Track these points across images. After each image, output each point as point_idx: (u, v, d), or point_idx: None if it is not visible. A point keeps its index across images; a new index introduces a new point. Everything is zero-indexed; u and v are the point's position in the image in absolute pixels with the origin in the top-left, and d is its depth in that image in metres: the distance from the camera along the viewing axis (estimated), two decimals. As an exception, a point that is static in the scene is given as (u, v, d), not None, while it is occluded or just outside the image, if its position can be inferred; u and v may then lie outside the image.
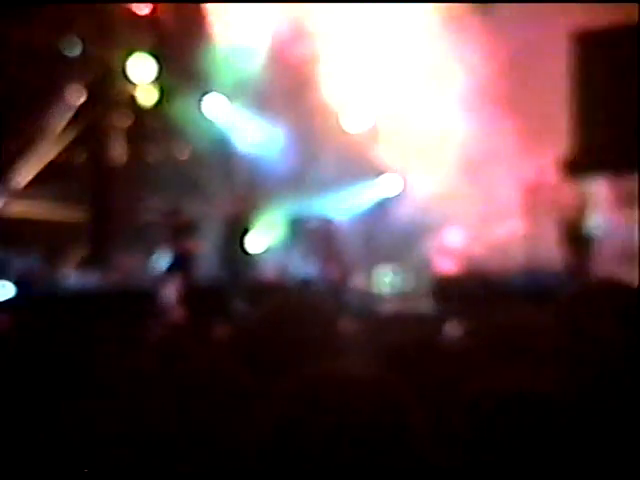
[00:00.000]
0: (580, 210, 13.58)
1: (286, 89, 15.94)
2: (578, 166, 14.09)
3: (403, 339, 3.90)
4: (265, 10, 15.77)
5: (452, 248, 16.07)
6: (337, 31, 16.01)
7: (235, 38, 15.82)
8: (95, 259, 14.99)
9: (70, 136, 15.29)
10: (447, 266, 15.37)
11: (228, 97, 16.25)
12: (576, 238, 13.38)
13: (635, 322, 2.64)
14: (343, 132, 16.07)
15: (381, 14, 16.06)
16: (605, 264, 12.95)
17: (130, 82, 15.58)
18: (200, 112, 16.12)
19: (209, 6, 15.59)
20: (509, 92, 15.78)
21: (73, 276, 14.62)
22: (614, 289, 2.91)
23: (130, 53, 15.42)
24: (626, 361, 2.57)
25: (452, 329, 4.83)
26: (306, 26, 15.74)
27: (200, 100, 16.07)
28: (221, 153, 16.83)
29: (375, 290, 14.62)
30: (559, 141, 14.44)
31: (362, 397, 2.05)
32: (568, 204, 13.68)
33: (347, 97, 16.09)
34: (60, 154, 15.31)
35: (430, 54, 16.13)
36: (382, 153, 15.82)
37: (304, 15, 15.67)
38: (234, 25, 15.75)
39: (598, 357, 2.57)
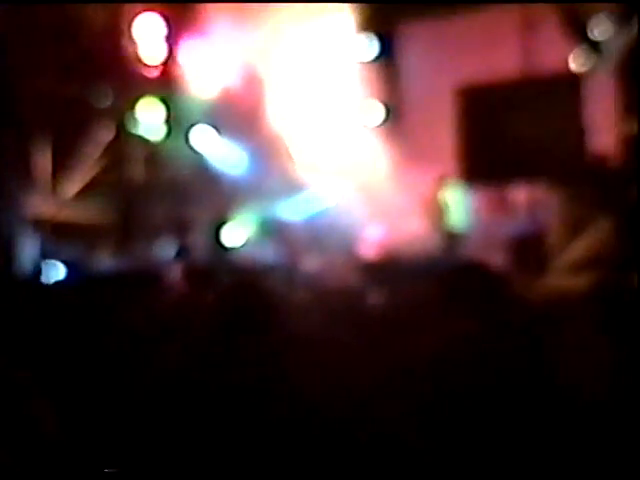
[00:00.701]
0: (449, 213, 13.68)
1: (250, 125, 15.86)
2: (463, 180, 14.20)
3: (339, 305, 3.97)
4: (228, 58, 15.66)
5: (373, 240, 16.14)
6: (283, 77, 15.94)
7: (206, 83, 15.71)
8: (122, 250, 14.91)
9: (103, 162, 15.21)
10: (369, 253, 15.45)
11: (209, 129, 16.19)
12: (448, 234, 13.53)
13: (487, 289, 2.71)
14: (291, 158, 16.01)
15: (312, 63, 16.02)
16: (478, 251, 13.10)
17: (147, 120, 15.49)
18: (189, 142, 16.05)
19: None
20: (414, 127, 15.88)
21: (106, 261, 14.54)
22: (472, 268, 2.98)
23: (137, 100, 15.32)
24: (484, 314, 2.62)
25: (374, 298, 4.90)
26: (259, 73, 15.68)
27: (188, 133, 15.98)
28: (207, 172, 16.77)
29: (319, 271, 14.65)
30: (443, 163, 14.49)
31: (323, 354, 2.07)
32: (442, 208, 13.78)
33: (293, 133, 16.04)
34: (96, 175, 15.22)
35: (352, 95, 16.17)
36: (319, 172, 15.85)
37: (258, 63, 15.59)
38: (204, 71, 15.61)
39: (465, 312, 2.61)
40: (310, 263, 14.92)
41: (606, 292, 3.24)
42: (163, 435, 2.47)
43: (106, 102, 15.09)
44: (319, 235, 15.36)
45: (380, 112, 17.32)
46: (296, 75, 16.09)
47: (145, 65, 15.25)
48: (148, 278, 7.55)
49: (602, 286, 3.51)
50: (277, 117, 15.96)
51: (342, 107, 16.25)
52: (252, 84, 15.72)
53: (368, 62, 16.60)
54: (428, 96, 15.99)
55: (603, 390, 2.21)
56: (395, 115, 17.45)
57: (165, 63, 15.43)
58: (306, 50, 15.95)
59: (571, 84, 12.88)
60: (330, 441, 1.98)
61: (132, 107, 15.34)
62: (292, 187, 16.15)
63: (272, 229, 16.14)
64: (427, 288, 2.90)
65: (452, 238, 13.54)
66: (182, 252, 14.06)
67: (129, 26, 14.99)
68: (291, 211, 16.41)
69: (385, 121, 17.64)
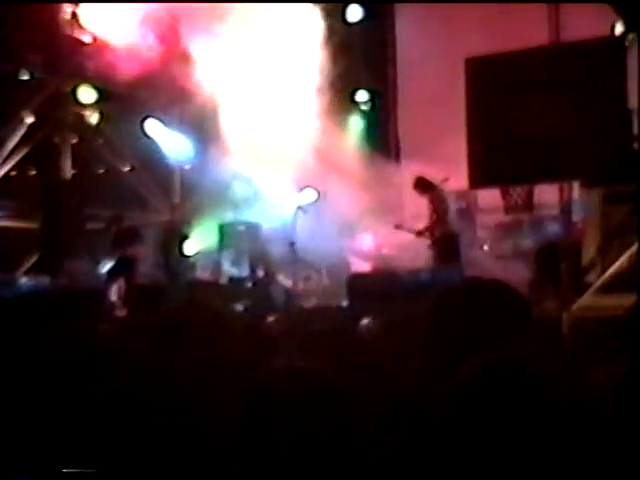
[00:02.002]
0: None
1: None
2: (478, 180, 14.16)
3: (322, 329, 3.96)
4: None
5: (365, 250, 16.23)
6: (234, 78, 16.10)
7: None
8: (45, 264, 14.82)
9: (21, 152, 15.15)
10: (361, 265, 15.54)
11: (164, 121, 16.30)
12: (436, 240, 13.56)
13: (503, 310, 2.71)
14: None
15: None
16: (493, 260, 13.17)
17: (77, 104, 15.50)
18: (141, 132, 16.13)
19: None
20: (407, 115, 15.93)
21: (23, 280, 14.45)
22: (481, 284, 2.98)
23: (77, 79, 15.40)
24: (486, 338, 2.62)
25: (366, 321, 4.90)
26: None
27: (142, 122, 16.09)
28: (158, 167, 16.81)
29: (298, 287, 14.68)
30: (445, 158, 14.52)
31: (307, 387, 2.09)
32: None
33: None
34: (12, 169, 15.18)
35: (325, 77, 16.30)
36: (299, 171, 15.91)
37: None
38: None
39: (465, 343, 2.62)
40: (287, 277, 14.96)
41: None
42: (102, 459, 2.55)
43: (25, 75, 15.06)
44: (298, 244, 15.35)
45: (364, 97, 17.51)
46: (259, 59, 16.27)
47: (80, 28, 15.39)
48: (77, 300, 7.49)
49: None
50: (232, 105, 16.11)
51: (311, 94, 16.40)
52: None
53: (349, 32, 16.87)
54: (425, 75, 16.11)
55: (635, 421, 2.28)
56: (383, 101, 17.68)
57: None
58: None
59: (613, 56, 12.87)
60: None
61: (60, 83, 15.36)
62: (265, 188, 16.26)
63: (240, 235, 16.15)
64: (426, 308, 2.90)
65: (449, 245, 13.57)
66: (123, 266, 13.97)
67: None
68: (264, 215, 16.46)
69: (371, 108, 17.83)
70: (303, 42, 16.47)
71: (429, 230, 13.61)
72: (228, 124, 16.05)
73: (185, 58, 15.52)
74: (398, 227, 14.18)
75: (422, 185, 13.82)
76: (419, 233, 13.73)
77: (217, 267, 15.97)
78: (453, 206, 14.41)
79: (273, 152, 15.78)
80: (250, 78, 16.16)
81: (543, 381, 2.04)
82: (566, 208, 12.56)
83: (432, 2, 16.33)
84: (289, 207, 15.99)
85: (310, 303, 13.66)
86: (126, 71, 14.85)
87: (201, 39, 15.69)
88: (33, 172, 15.84)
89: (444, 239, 13.47)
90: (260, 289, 14.20)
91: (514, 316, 2.73)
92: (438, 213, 13.60)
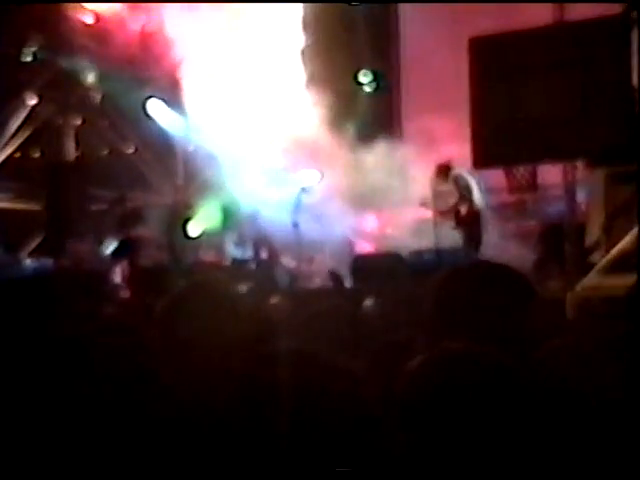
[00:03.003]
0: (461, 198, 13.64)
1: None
2: (481, 160, 14.15)
3: (326, 310, 3.95)
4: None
5: (369, 231, 16.19)
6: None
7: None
8: (48, 246, 14.82)
9: (25, 134, 15.13)
10: (364, 246, 15.51)
11: (166, 101, 16.23)
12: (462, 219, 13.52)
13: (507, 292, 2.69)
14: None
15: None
16: (499, 240, 13.14)
17: (81, 85, 15.47)
18: (144, 113, 16.08)
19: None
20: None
21: (28, 262, 14.45)
22: (478, 268, 2.95)
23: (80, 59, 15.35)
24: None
25: (369, 302, 4.89)
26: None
27: (144, 102, 16.03)
28: (162, 149, 16.77)
29: (301, 268, 14.67)
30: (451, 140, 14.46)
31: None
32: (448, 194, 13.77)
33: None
34: (18, 150, 15.17)
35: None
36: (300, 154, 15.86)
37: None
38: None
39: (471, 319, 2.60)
40: (290, 259, 14.94)
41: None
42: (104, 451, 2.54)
43: (28, 56, 15.02)
44: (301, 225, 15.36)
45: (367, 78, 17.44)
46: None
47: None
48: (81, 282, 7.49)
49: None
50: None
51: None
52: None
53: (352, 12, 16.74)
54: (429, 55, 16.04)
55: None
56: (387, 81, 17.59)
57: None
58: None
59: (617, 35, 12.78)
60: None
61: (63, 63, 15.30)
62: (267, 170, 16.20)
63: (244, 217, 16.12)
64: (429, 288, 2.88)
65: (473, 225, 13.53)
66: (126, 248, 13.97)
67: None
68: (267, 196, 16.41)
69: (374, 89, 17.75)
70: (304, 22, 16.40)
71: (452, 211, 13.51)
72: (225, 103, 16.00)
73: (165, 36, 15.49)
74: (423, 205, 14.04)
75: (442, 172, 13.71)
76: (442, 214, 13.60)
77: (220, 248, 15.95)
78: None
79: (273, 132, 15.75)
80: (247, 57, 16.06)
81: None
82: (570, 188, 12.52)
83: (433, 2, 16.24)
84: (292, 188, 15.97)
85: (314, 284, 13.65)
86: (124, 50, 14.80)
87: (197, 15, 15.66)
88: (37, 154, 15.82)
89: (468, 220, 13.39)
90: (263, 270, 14.19)
91: (518, 297, 2.71)
92: (462, 193, 13.52)
